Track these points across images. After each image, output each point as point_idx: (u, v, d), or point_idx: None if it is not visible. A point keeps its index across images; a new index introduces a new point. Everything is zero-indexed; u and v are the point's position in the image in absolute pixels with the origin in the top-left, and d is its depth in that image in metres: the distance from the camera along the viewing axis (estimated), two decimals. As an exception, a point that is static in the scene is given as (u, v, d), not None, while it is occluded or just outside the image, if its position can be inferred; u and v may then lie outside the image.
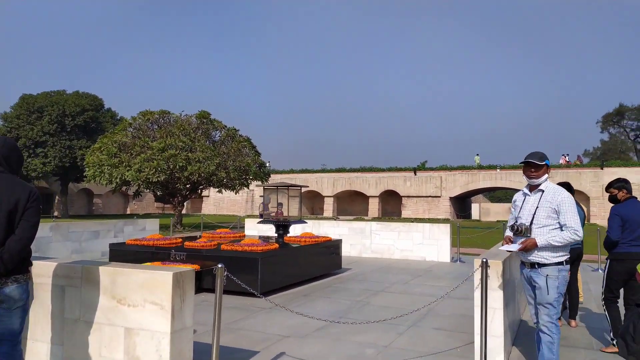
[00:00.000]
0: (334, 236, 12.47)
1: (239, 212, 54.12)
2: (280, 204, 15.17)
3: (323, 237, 9.00)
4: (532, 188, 3.90)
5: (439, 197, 45.24)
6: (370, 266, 10.35)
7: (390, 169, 50.70)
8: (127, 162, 22.66)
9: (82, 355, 3.31)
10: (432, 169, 48.29)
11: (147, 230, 12.84)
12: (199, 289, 7.21)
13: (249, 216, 50.16)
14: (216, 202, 56.19)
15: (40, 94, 40.58)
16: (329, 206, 51.64)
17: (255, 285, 6.82)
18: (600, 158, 62.82)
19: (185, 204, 26.48)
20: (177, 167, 22.44)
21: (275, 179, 46.00)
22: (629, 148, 68.35)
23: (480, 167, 46.01)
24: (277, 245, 7.34)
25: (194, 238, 9.14)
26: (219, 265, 3.68)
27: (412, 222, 12.71)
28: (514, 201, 4.12)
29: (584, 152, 69.19)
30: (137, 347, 3.14)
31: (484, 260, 4.06)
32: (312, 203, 54.26)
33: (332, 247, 9.06)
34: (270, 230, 13.25)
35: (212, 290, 7.20)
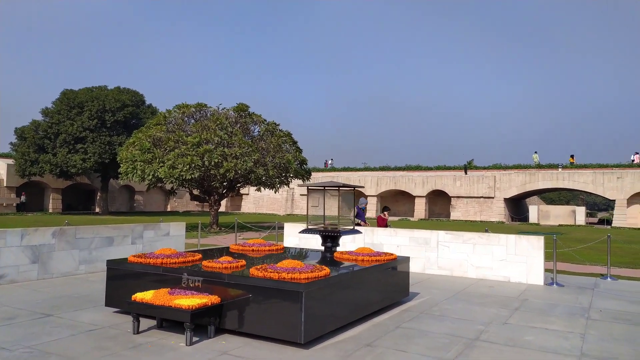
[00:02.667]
0: (390, 247, 10.24)
1: (278, 211, 52.48)
2: (386, 208, 13.39)
3: (386, 254, 6.79)
4: None
5: (492, 197, 41.91)
6: (442, 290, 8.04)
7: (438, 168, 47.70)
8: (160, 158, 21.16)
9: None
10: (484, 168, 44.97)
11: (171, 236, 11.00)
12: (217, 330, 5.17)
13: (289, 215, 48.42)
14: (255, 200, 54.78)
15: (81, 89, 40.16)
16: (371, 206, 49.14)
17: (296, 331, 4.69)
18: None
19: (223, 201, 24.81)
20: (212, 163, 20.73)
21: (315, 177, 43.99)
22: None
23: (539, 166, 42.35)
24: (327, 271, 5.19)
25: (217, 254, 7.13)
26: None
27: (486, 230, 10.28)
28: None
29: (651, 151, 63.30)
30: None
31: None
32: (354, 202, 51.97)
33: (398, 269, 6.82)
34: (315, 240, 11.16)
35: (237, 332, 5.13)
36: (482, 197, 42.41)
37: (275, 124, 25.00)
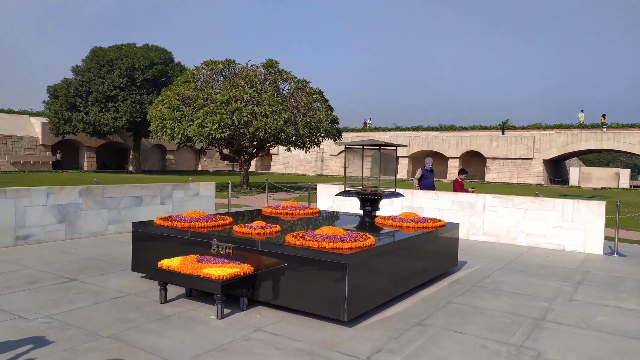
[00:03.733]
0: (431, 211, 9.59)
1: (308, 171, 52.10)
2: (463, 171, 10.94)
3: (432, 220, 6.14)
4: None
5: (531, 159, 40.21)
6: (492, 259, 7.39)
7: (473, 128, 46.02)
8: (189, 117, 20.73)
9: None
10: (523, 128, 43.08)
11: (201, 197, 10.61)
12: (251, 301, 4.70)
13: (318, 176, 47.98)
14: (285, 160, 54.44)
15: (110, 47, 39.89)
16: (403, 167, 48.09)
17: (339, 307, 4.15)
18: None
19: (253, 161, 24.44)
20: (242, 122, 20.19)
21: (346, 137, 43.07)
22: None
23: (583, 126, 40.22)
24: (372, 240, 4.59)
25: (249, 218, 6.63)
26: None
27: (537, 194, 9.46)
28: None
29: None
30: None
31: None
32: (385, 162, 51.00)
33: (447, 237, 6.18)
34: (349, 203, 10.56)
35: (272, 305, 4.65)
36: (519, 158, 40.77)
37: (305, 81, 24.11)
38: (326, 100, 24.00)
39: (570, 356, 3.70)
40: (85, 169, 43.95)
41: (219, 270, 4.40)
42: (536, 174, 40.22)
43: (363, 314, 4.43)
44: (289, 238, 4.62)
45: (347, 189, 7.15)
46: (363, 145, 7.22)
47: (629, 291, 5.67)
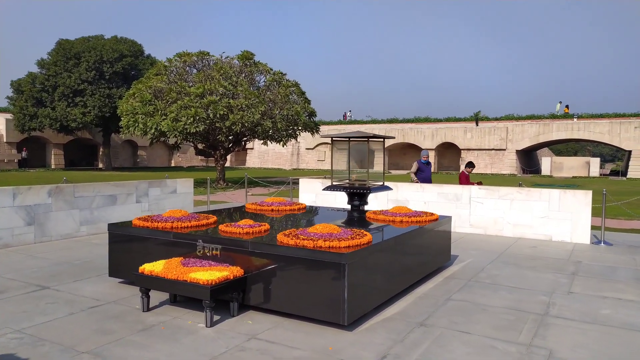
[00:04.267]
0: (417, 204, 9.42)
1: (284, 165, 51.65)
2: (470, 164, 10.60)
3: (425, 213, 5.94)
4: None
5: (504, 150, 40.78)
6: (482, 251, 7.26)
7: (448, 119, 46.37)
8: (162, 110, 20.09)
9: None
10: (496, 119, 43.63)
11: (179, 194, 10.18)
12: (241, 306, 4.39)
13: (295, 170, 47.59)
14: (260, 154, 53.82)
15: (77, 39, 38.47)
16: (379, 160, 48.08)
17: (338, 310, 3.90)
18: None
19: (228, 156, 23.92)
20: (218, 115, 19.67)
21: (323, 131, 42.76)
22: None
23: (554, 117, 40.96)
24: (369, 237, 4.34)
25: (233, 216, 6.31)
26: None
27: (521, 185, 9.41)
28: None
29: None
30: None
31: None
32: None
33: (440, 231, 5.99)
34: (333, 197, 10.31)
35: (264, 310, 4.36)
36: (493, 149, 41.31)
37: (282, 73, 23.67)
38: (303, 93, 23.65)
39: (583, 354, 3.54)
40: (53, 167, 42.46)
41: (207, 274, 4.09)
42: (509, 165, 40.84)
43: (362, 317, 4.18)
44: (281, 237, 4.33)
45: (334, 183, 6.90)
46: (350, 138, 6.96)
47: (624, 281, 5.59)
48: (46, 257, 6.60)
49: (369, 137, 6.69)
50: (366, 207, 6.69)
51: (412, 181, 10.55)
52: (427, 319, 4.24)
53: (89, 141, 46.27)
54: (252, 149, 53.71)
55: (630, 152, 36.56)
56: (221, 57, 23.49)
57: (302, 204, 7.04)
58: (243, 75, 22.75)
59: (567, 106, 43.09)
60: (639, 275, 5.90)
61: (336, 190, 6.67)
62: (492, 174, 39.86)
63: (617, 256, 7.02)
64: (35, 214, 7.62)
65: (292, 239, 4.22)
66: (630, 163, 36.19)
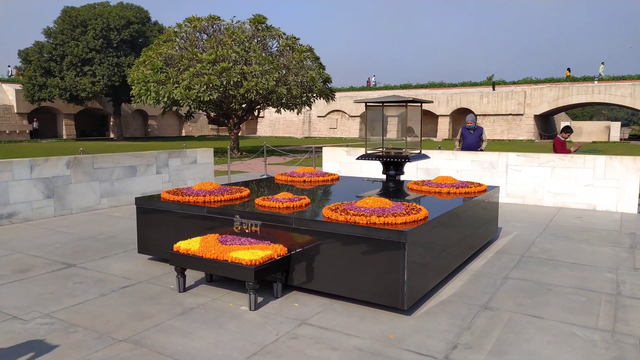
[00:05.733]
0: (449, 172, 8.97)
1: (295, 134, 51.05)
2: (567, 129, 8.76)
3: (472, 184, 5.51)
4: None
5: (522, 115, 39.76)
6: (527, 223, 6.85)
7: (463, 84, 45.20)
8: (174, 78, 19.55)
9: None
10: (513, 83, 42.40)
11: (199, 164, 9.81)
12: (285, 286, 4.05)
13: (306, 138, 46.98)
14: (271, 123, 53.18)
15: (83, 6, 37.59)
16: (392, 126, 47.27)
17: (396, 293, 3.53)
18: None
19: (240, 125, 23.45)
20: (232, 83, 19.10)
21: (339, 97, 41.85)
22: None
23: (573, 80, 39.69)
24: (425, 212, 3.93)
25: (265, 187, 5.93)
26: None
27: (585, 153, 8.89)
28: None
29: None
30: None
31: None
32: (374, 123, 50.17)
33: (491, 202, 5.57)
34: (358, 167, 9.88)
35: (307, 290, 4.01)
36: (510, 114, 40.33)
37: (295, 38, 22.90)
38: (317, 58, 22.91)
39: (678, 343, 3.15)
40: (65, 137, 42.32)
41: (249, 253, 3.72)
42: (527, 130, 39.94)
43: (420, 299, 3.81)
44: (328, 212, 3.94)
45: (368, 151, 6.45)
46: (383, 103, 6.49)
47: (691, 256, 5.17)
48: (68, 232, 6.30)
49: (407, 102, 6.20)
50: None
51: (455, 149, 9.86)
52: (489, 301, 3.87)
53: (100, 111, 45.93)
54: (262, 117, 53.05)
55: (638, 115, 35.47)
56: (232, 21, 22.72)
57: (334, 175, 6.63)
58: (255, 40, 22.02)
59: (568, 69, 41.79)
60: None
61: (371, 159, 6.22)
62: (509, 140, 39.03)
63: (672, 227, 6.57)
64: (54, 186, 7.30)
65: (341, 214, 3.83)
66: (653, 127, 35.14)
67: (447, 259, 4.29)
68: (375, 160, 6.21)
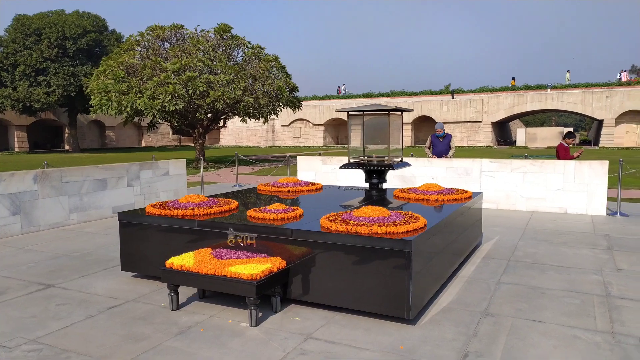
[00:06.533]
0: (425, 179, 9.09)
1: (259, 143, 50.70)
2: (571, 134, 8.71)
3: (458, 190, 5.59)
4: None
5: (480, 122, 41.04)
6: (505, 228, 7.01)
7: (424, 93, 46.26)
8: (137, 88, 19.05)
9: None
10: (471, 91, 43.75)
11: (172, 176, 9.54)
12: (283, 300, 3.95)
13: (270, 147, 46.74)
14: (234, 132, 52.65)
15: (36, 14, 36.20)
16: (356, 135, 47.69)
17: (401, 303, 3.51)
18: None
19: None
20: (198, 92, 18.79)
21: (305, 106, 41.85)
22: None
23: (528, 88, 41.33)
24: (424, 221, 3.93)
25: (252, 199, 5.82)
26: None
27: (525, 157, 9.18)
28: None
29: (632, 68, 63.14)
30: None
31: None
32: (337, 132, 50.52)
33: (476, 208, 5.67)
34: (334, 175, 9.84)
35: (307, 303, 3.93)
36: (469, 121, 41.54)
37: (260, 47, 22.80)
38: (283, 67, 22.88)
39: (674, 341, 3.26)
40: (17, 149, 40.44)
41: (249, 267, 3.62)
42: (485, 137, 41.21)
43: (423, 307, 3.80)
44: (326, 223, 3.88)
45: (351, 160, 6.45)
46: (364, 112, 6.52)
47: (665, 255, 5.40)
48: (40, 250, 5.96)
49: (389, 110, 6.25)
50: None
51: (428, 156, 9.98)
52: (488, 307, 3.90)
53: (54, 122, 44.21)
54: (225, 127, 52.42)
55: (601, 121, 37.33)
56: (196, 30, 22.40)
57: (318, 184, 6.59)
58: (221, 49, 21.78)
59: (513, 78, 43.77)
60: (674, 247, 5.73)
61: (354, 168, 6.22)
62: (468, 146, 40.13)
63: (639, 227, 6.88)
64: (21, 202, 6.91)
65: (341, 224, 3.78)
66: (603, 132, 36.99)
67: (443, 266, 4.31)
68: (358, 168, 6.22)
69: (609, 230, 6.77)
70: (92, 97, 20.21)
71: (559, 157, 8.89)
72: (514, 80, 43.42)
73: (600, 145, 36.65)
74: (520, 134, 40.22)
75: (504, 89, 42.59)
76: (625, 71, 41.29)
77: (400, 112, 6.63)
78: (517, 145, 39.91)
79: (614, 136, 36.37)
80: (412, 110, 6.72)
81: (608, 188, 8.28)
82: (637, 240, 6.12)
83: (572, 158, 8.77)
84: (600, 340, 3.28)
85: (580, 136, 51.56)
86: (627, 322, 3.58)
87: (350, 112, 6.66)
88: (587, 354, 3.08)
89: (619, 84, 38.78)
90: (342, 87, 52.15)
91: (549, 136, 39.57)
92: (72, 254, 5.77)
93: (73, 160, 27.66)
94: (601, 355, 3.06)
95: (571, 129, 10.05)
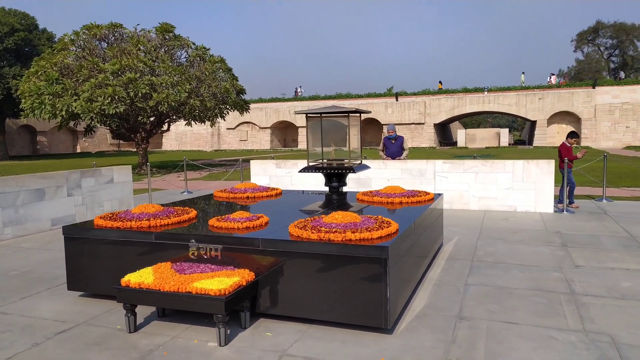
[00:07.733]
0: (380, 181, 9.12)
1: (204, 147, 49.44)
2: (574, 134, 7.93)
3: (420, 192, 5.58)
4: None
5: (423, 124, 42.16)
6: (462, 228, 7.10)
7: (369, 95, 46.89)
8: (73, 90, 17.96)
9: None
10: (414, 94, 44.85)
11: (116, 184, 8.98)
12: (253, 314, 3.73)
13: (216, 151, 45.70)
14: (178, 136, 51.06)
15: (-45, 10, 33.38)
16: (304, 137, 47.64)
17: (379, 312, 3.38)
18: (575, 78, 61.08)
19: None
20: (140, 94, 17.97)
21: (253, 108, 41.18)
22: (603, 67, 66.73)
23: (466, 91, 42.92)
24: (396, 225, 3.83)
25: (207, 206, 5.52)
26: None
27: (475, 157, 9.43)
28: None
29: (559, 72, 67.21)
30: None
31: None
32: (284, 134, 50.25)
33: (439, 209, 5.66)
34: (288, 179, 9.67)
35: (278, 316, 3.73)
36: (413, 123, 42.55)
37: (205, 48, 22.18)
38: (230, 69, 22.38)
39: (642, 336, 3.34)
40: None
41: (215, 281, 3.37)
42: (428, 138, 42.36)
43: (399, 316, 3.70)
44: (296, 231, 3.70)
45: (310, 164, 6.30)
46: (322, 114, 6.42)
47: (616, 250, 5.64)
48: (-30, 270, 5.36)
49: (348, 112, 6.19)
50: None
51: (382, 159, 10.00)
52: (462, 311, 3.86)
53: (-22, 127, 40.91)
54: (167, 131, 50.74)
55: (535, 122, 39.39)
56: (136, 29, 21.45)
57: (277, 189, 6.38)
58: (163, 49, 20.98)
59: (440, 82, 45.93)
60: (623, 242, 6.00)
61: (315, 171, 6.08)
62: (412, 147, 41.10)
63: (587, 224, 7.17)
64: (-55, 217, 6.22)
65: (313, 232, 3.61)
66: (536, 132, 39.03)
67: (414, 271, 4.24)
68: (318, 172, 6.08)
69: (559, 227, 7.02)
70: (23, 100, 18.84)
71: (561, 157, 8.70)
72: (441, 84, 45.48)
73: (534, 144, 38.65)
74: (461, 135, 41.70)
75: (444, 92, 43.93)
76: (554, 74, 43.87)
77: (359, 114, 6.58)
78: (458, 146, 41.33)
79: (546, 136, 38.46)
80: (370, 112, 6.66)
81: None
82: (587, 236, 6.36)
83: (576, 158, 8.65)
84: (575, 339, 3.31)
85: (514, 136, 54.25)
86: (596, 319, 3.65)
87: (308, 114, 6.53)
88: (566, 354, 3.09)
89: (550, 86, 41.09)
90: (299, 89, 51.91)
91: (487, 137, 41.34)
92: (10, 273, 5.23)
93: (2, 168, 25.72)
94: (579, 355, 3.07)
95: (574, 130, 10.04)
